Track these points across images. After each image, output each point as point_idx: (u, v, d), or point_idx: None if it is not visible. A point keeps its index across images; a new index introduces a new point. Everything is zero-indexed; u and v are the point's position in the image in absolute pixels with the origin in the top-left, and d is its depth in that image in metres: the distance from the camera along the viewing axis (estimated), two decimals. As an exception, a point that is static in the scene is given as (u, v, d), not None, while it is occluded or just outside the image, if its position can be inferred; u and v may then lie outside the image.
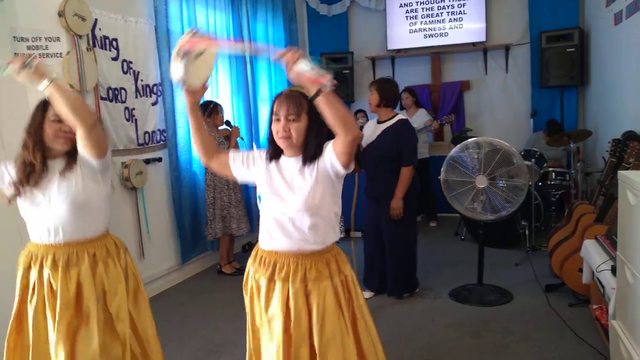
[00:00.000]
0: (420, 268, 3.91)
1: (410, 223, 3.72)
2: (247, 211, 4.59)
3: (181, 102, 4.38)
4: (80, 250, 1.97)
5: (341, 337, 1.72)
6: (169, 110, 4.31)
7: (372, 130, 3.71)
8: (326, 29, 6.91)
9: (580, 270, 3.27)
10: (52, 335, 1.92)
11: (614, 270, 2.47)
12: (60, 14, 3.24)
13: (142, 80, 4.02)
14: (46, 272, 1.95)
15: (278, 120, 1.73)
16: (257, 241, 1.87)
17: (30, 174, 1.94)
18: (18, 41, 3.18)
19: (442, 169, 3.68)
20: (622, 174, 2.29)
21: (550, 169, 4.99)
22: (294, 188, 1.74)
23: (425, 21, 6.47)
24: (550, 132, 5.24)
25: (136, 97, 3.97)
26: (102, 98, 3.62)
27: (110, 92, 3.71)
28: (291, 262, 1.74)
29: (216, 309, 3.77)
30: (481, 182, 3.56)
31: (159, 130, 4.22)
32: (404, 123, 3.64)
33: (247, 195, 4.71)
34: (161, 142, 4.27)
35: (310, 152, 1.73)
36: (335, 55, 6.70)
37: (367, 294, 3.82)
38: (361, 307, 1.83)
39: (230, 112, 5.17)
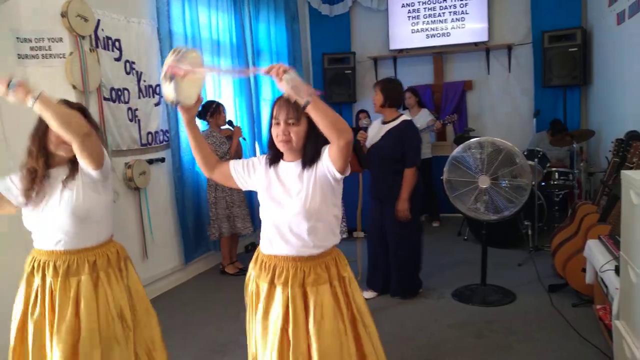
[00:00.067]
0: (423, 268, 3.91)
1: (414, 224, 3.71)
2: (249, 210, 4.60)
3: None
4: (81, 258, 1.97)
5: (340, 341, 1.73)
6: (172, 111, 4.31)
7: (376, 131, 3.71)
8: (328, 29, 6.91)
9: (584, 270, 3.27)
10: (49, 343, 1.92)
11: (617, 270, 2.47)
12: (63, 15, 3.24)
13: (144, 81, 4.02)
14: (48, 279, 1.95)
15: (278, 124, 1.73)
16: (259, 242, 1.88)
17: (34, 180, 1.95)
18: (21, 42, 3.19)
19: (444, 169, 3.68)
20: (625, 173, 2.29)
21: (554, 168, 4.98)
22: (292, 192, 1.75)
23: (428, 21, 6.47)
24: (553, 132, 5.23)
25: (139, 97, 3.98)
26: (105, 99, 3.63)
27: (113, 92, 3.72)
28: (290, 267, 1.75)
29: (219, 308, 3.78)
30: (484, 182, 3.56)
31: (161, 130, 4.23)
32: (408, 124, 3.63)
33: (249, 195, 4.71)
34: (164, 143, 4.28)
35: (309, 156, 1.74)
36: (337, 56, 6.71)
37: (371, 294, 3.82)
38: (360, 309, 1.83)
39: (233, 112, 5.17)
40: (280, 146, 1.76)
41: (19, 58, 3.19)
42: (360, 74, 6.87)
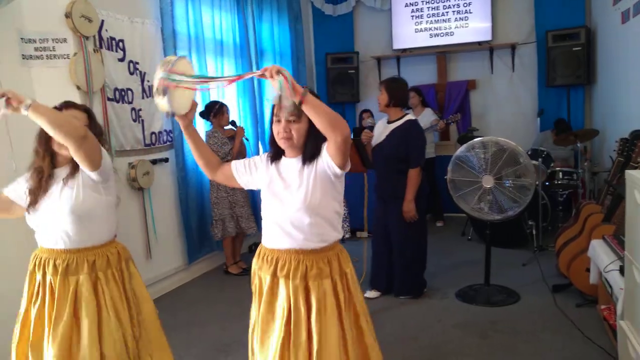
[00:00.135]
0: (427, 268, 3.90)
1: (419, 224, 3.70)
2: (253, 210, 4.61)
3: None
4: (80, 258, 1.98)
5: (339, 335, 1.74)
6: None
7: (381, 130, 3.71)
8: (331, 28, 6.91)
9: (588, 270, 3.26)
10: (46, 340, 1.94)
11: (622, 270, 2.46)
12: (67, 16, 3.26)
13: (148, 81, 4.03)
14: (48, 277, 1.98)
15: (279, 121, 1.75)
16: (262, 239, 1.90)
17: (41, 180, 1.97)
18: (26, 42, 3.20)
19: (448, 169, 3.67)
20: (629, 173, 2.28)
21: (558, 168, 4.96)
22: (293, 188, 1.76)
23: (431, 20, 6.46)
24: (558, 131, 5.22)
25: (143, 97, 3.99)
26: (109, 99, 3.64)
27: (117, 93, 3.73)
28: (292, 260, 1.76)
29: (223, 308, 3.78)
30: (488, 182, 3.55)
31: (165, 130, 4.24)
32: (413, 124, 3.62)
33: (252, 194, 4.72)
34: (168, 143, 4.28)
35: (309, 153, 1.76)
36: (340, 55, 6.71)
37: (374, 294, 3.82)
38: (362, 304, 1.86)
39: (236, 112, 5.18)
40: (282, 143, 1.78)
41: (23, 59, 3.20)
42: (363, 74, 6.86)
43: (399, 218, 3.61)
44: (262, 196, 1.85)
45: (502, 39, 6.25)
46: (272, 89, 1.51)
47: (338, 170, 1.72)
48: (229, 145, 4.38)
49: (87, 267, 1.98)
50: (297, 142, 1.75)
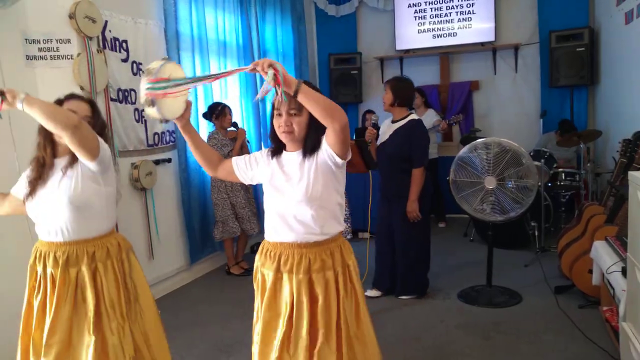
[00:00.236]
0: (429, 269, 3.90)
1: (423, 224, 3.69)
2: (254, 212, 4.61)
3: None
4: (80, 249, 1.99)
5: (344, 327, 1.76)
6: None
7: (385, 130, 3.72)
8: (334, 29, 6.91)
9: (590, 271, 3.25)
10: (46, 330, 1.95)
11: (624, 271, 2.45)
12: (71, 16, 3.27)
13: (151, 82, 4.03)
14: (49, 269, 1.99)
15: (280, 115, 1.76)
16: (264, 234, 1.90)
17: (42, 170, 1.99)
18: (29, 43, 3.21)
19: (450, 170, 3.67)
20: (632, 174, 2.28)
21: (560, 169, 4.96)
22: (294, 181, 1.77)
23: (434, 21, 6.46)
24: (562, 132, 5.21)
25: (146, 98, 3.99)
26: (112, 99, 3.65)
27: (120, 93, 3.74)
28: (295, 254, 1.77)
29: (225, 309, 3.79)
30: (490, 182, 3.55)
31: (168, 131, 4.25)
32: (416, 123, 3.62)
33: (255, 195, 4.73)
34: (170, 143, 4.30)
35: (309, 146, 1.77)
36: (343, 56, 6.72)
37: (375, 293, 3.82)
38: (362, 296, 1.87)
39: (239, 113, 5.19)
40: (283, 137, 1.79)
41: (27, 59, 3.22)
42: (366, 75, 6.87)
43: (403, 218, 3.61)
44: (264, 190, 1.86)
45: (505, 40, 6.25)
46: (265, 82, 1.50)
47: (339, 160, 1.72)
48: (229, 147, 4.38)
49: (87, 259, 1.99)
50: (298, 135, 1.76)
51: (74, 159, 1.97)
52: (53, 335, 1.94)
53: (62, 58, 3.31)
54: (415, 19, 6.52)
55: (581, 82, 5.60)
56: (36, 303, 2.01)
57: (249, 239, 4.75)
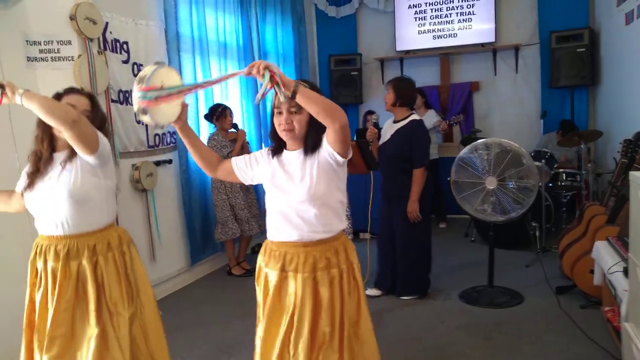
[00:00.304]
0: (431, 269, 3.90)
1: (423, 224, 3.68)
2: (255, 212, 4.61)
3: (191, 104, 4.41)
4: (81, 242, 2.00)
5: (347, 325, 1.77)
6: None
7: (387, 129, 3.72)
8: (335, 30, 6.92)
9: (592, 271, 3.25)
10: (49, 322, 1.95)
11: (625, 271, 2.45)
12: (72, 18, 3.27)
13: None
14: (50, 263, 1.99)
15: (280, 113, 1.75)
16: (267, 234, 1.90)
17: (39, 163, 2.00)
18: (30, 45, 3.22)
19: (451, 170, 3.67)
20: (633, 174, 2.28)
21: (561, 170, 4.96)
22: (296, 180, 1.77)
23: (434, 22, 6.46)
24: (564, 132, 5.21)
25: (146, 99, 3.99)
26: (112, 101, 3.66)
27: (121, 94, 3.74)
28: (300, 253, 1.77)
29: (226, 310, 3.78)
30: (491, 183, 3.55)
31: (169, 132, 4.26)
32: (417, 124, 3.62)
33: (258, 195, 4.73)
34: (171, 144, 4.30)
35: (310, 144, 1.76)
36: (343, 57, 6.72)
37: (375, 292, 3.83)
38: (364, 293, 1.88)
39: (240, 115, 5.19)
40: (284, 135, 1.78)
41: (28, 61, 3.22)
42: (366, 76, 6.87)
43: (403, 218, 3.61)
44: (266, 190, 1.86)
45: (505, 41, 6.25)
46: (262, 84, 1.50)
47: (340, 158, 1.72)
48: (229, 148, 4.38)
49: (88, 252, 1.99)
50: (298, 133, 1.76)
51: (73, 153, 1.97)
52: (56, 329, 1.94)
53: (63, 59, 3.31)
54: (416, 20, 6.53)
55: (582, 82, 5.60)
56: (38, 298, 2.01)
57: (251, 239, 4.75)
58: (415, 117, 3.66)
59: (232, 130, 4.50)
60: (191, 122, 4.47)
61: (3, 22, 3.00)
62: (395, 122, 3.69)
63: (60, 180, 1.96)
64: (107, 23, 3.59)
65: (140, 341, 2.08)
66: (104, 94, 3.56)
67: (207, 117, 4.47)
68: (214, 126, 4.46)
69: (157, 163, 4.09)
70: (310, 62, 6.77)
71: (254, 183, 1.95)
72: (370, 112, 5.76)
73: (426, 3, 6.46)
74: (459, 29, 6.36)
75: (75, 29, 3.30)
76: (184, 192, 4.40)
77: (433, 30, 6.48)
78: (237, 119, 4.76)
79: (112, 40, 3.67)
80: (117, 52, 3.72)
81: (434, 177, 5.41)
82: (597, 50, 5.57)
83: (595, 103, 5.84)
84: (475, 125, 6.19)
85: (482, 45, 6.30)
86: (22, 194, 2.05)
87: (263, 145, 5.52)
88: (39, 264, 2.02)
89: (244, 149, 4.51)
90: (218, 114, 4.39)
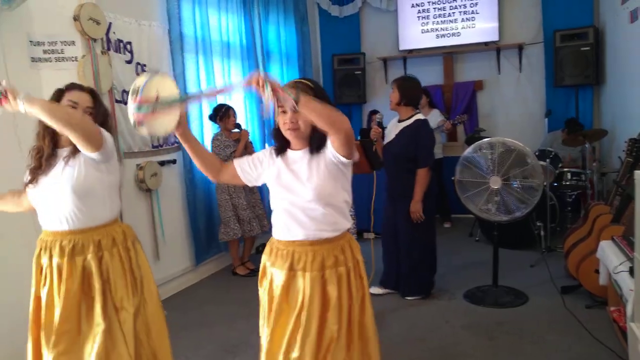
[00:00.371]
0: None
1: (427, 224, 3.67)
2: (258, 212, 4.60)
3: (195, 106, 4.42)
4: (86, 238, 2.00)
5: (355, 323, 1.78)
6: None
7: (391, 129, 3.71)
8: (338, 30, 6.91)
9: (597, 271, 3.23)
10: (56, 319, 1.96)
11: (631, 271, 2.44)
12: (76, 18, 3.28)
13: (156, 83, 4.04)
14: (55, 259, 1.99)
15: (284, 112, 1.74)
16: (272, 233, 1.89)
17: (41, 158, 2.00)
18: (34, 45, 3.23)
19: (456, 170, 3.66)
20: (639, 173, 2.26)
21: (566, 169, 4.94)
22: (303, 180, 1.76)
23: (437, 21, 6.45)
24: (569, 131, 5.18)
25: (150, 99, 4.00)
26: (116, 101, 3.66)
27: (125, 94, 3.75)
28: (308, 251, 1.77)
29: (231, 309, 3.79)
30: (495, 182, 3.54)
31: (172, 133, 4.25)
32: (421, 123, 3.61)
33: (262, 195, 4.72)
34: (175, 145, 4.30)
35: (315, 143, 1.76)
36: (347, 56, 6.71)
37: (379, 291, 3.84)
38: (368, 292, 1.89)
39: (243, 114, 5.19)
40: (288, 134, 1.78)
41: (32, 61, 3.23)
42: (370, 75, 6.86)
43: (407, 218, 3.60)
44: (272, 189, 1.85)
45: (509, 39, 6.23)
46: (264, 99, 1.49)
47: (345, 160, 1.72)
48: (232, 148, 4.38)
49: (93, 247, 2.00)
50: (304, 131, 1.75)
51: (76, 149, 1.97)
52: (63, 325, 1.95)
53: (67, 60, 3.32)
54: (419, 19, 6.51)
55: (586, 81, 5.57)
56: (44, 295, 2.01)
57: (255, 239, 4.75)
58: (420, 116, 3.65)
59: (236, 130, 4.51)
60: (195, 123, 4.48)
61: (7, 23, 3.01)
62: (399, 121, 3.68)
63: (63, 175, 1.97)
64: (110, 23, 3.59)
65: (142, 336, 2.08)
66: (108, 94, 3.56)
67: (211, 117, 4.47)
68: (218, 126, 4.46)
69: (162, 163, 4.10)
70: (313, 62, 6.77)
71: (259, 184, 1.94)
72: (375, 112, 5.76)
73: (429, 2, 6.45)
74: (462, 28, 6.34)
75: (79, 30, 3.30)
76: (188, 192, 4.40)
77: (436, 29, 6.46)
78: (240, 119, 4.76)
79: (115, 41, 3.67)
80: (120, 53, 3.73)
81: (438, 176, 5.41)
82: (601, 49, 5.54)
83: (600, 102, 5.81)
84: (479, 125, 6.18)
85: (486, 44, 6.28)
86: (24, 188, 2.05)
87: (266, 145, 5.52)
88: (44, 260, 2.02)
89: (248, 149, 4.51)
90: (221, 114, 4.39)
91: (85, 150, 1.93)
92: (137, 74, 3.87)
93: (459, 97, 6.42)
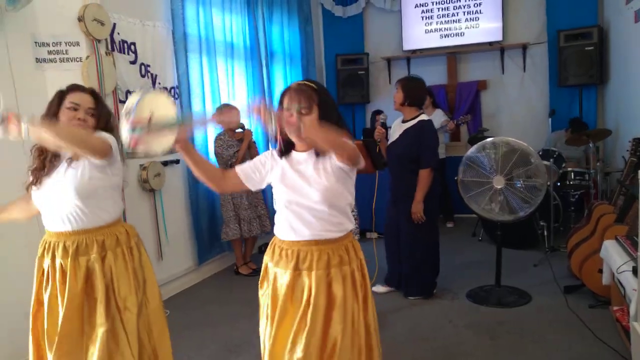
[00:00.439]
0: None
1: (429, 225, 3.66)
2: (261, 212, 4.61)
3: (199, 105, 4.43)
4: (89, 238, 2.01)
5: (359, 322, 1.79)
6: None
7: (395, 129, 3.71)
8: (341, 30, 6.92)
9: (600, 271, 3.23)
10: (60, 319, 1.96)
11: (635, 271, 2.43)
12: (80, 19, 3.29)
13: (159, 84, 4.07)
14: (58, 260, 2.00)
15: (290, 115, 1.75)
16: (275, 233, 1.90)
17: (44, 160, 2.01)
18: (39, 46, 3.25)
19: (459, 170, 3.66)
20: (642, 173, 2.26)
21: (569, 168, 4.93)
22: (310, 181, 1.77)
23: (441, 21, 6.44)
24: (574, 130, 5.17)
25: (154, 100, 4.02)
26: (120, 101, 3.68)
27: (129, 95, 3.76)
28: (314, 251, 1.78)
29: (234, 309, 3.80)
30: (498, 182, 3.53)
31: (176, 132, 4.27)
32: (425, 124, 3.60)
33: (265, 196, 4.73)
34: (179, 145, 4.31)
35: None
36: (350, 57, 6.72)
37: (383, 289, 3.85)
38: (370, 289, 1.90)
39: (246, 115, 5.19)
40: (293, 136, 1.78)
41: (37, 62, 3.25)
42: (373, 75, 6.86)
43: (409, 218, 3.60)
44: (276, 189, 1.85)
45: (513, 39, 6.22)
46: (269, 129, 1.56)
47: (351, 169, 1.78)
48: (235, 147, 4.39)
49: (97, 247, 2.00)
50: None
51: None
52: (66, 326, 1.95)
53: (71, 61, 3.34)
54: (423, 19, 6.51)
55: (590, 81, 5.56)
56: (46, 296, 2.01)
57: (256, 239, 4.76)
58: (424, 117, 3.64)
59: (239, 130, 4.52)
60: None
61: (12, 24, 3.03)
62: (404, 121, 3.68)
63: (66, 176, 1.97)
64: (114, 24, 3.61)
65: (143, 335, 2.09)
66: (112, 94, 3.58)
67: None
68: (221, 126, 4.47)
69: (165, 163, 4.11)
70: (317, 62, 6.78)
71: (263, 187, 1.95)
72: (379, 112, 5.75)
73: (433, 2, 6.44)
74: (466, 28, 6.33)
75: (83, 30, 3.32)
76: (191, 192, 4.42)
77: (440, 30, 6.46)
78: (242, 119, 4.77)
79: (119, 41, 3.69)
80: (124, 53, 3.75)
81: (441, 176, 5.40)
82: (606, 49, 5.53)
83: (604, 101, 5.80)
84: (483, 124, 6.17)
85: (490, 44, 6.27)
86: (27, 189, 2.05)
87: (270, 145, 5.52)
88: (47, 261, 2.03)
89: (251, 149, 4.52)
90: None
91: (92, 160, 1.94)
92: (141, 75, 3.89)
93: (463, 97, 6.42)
